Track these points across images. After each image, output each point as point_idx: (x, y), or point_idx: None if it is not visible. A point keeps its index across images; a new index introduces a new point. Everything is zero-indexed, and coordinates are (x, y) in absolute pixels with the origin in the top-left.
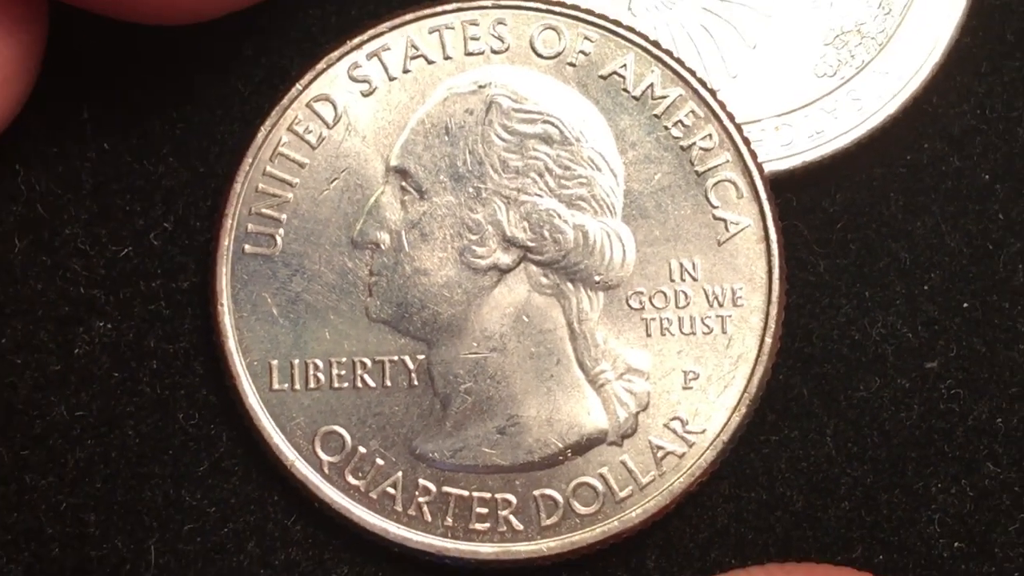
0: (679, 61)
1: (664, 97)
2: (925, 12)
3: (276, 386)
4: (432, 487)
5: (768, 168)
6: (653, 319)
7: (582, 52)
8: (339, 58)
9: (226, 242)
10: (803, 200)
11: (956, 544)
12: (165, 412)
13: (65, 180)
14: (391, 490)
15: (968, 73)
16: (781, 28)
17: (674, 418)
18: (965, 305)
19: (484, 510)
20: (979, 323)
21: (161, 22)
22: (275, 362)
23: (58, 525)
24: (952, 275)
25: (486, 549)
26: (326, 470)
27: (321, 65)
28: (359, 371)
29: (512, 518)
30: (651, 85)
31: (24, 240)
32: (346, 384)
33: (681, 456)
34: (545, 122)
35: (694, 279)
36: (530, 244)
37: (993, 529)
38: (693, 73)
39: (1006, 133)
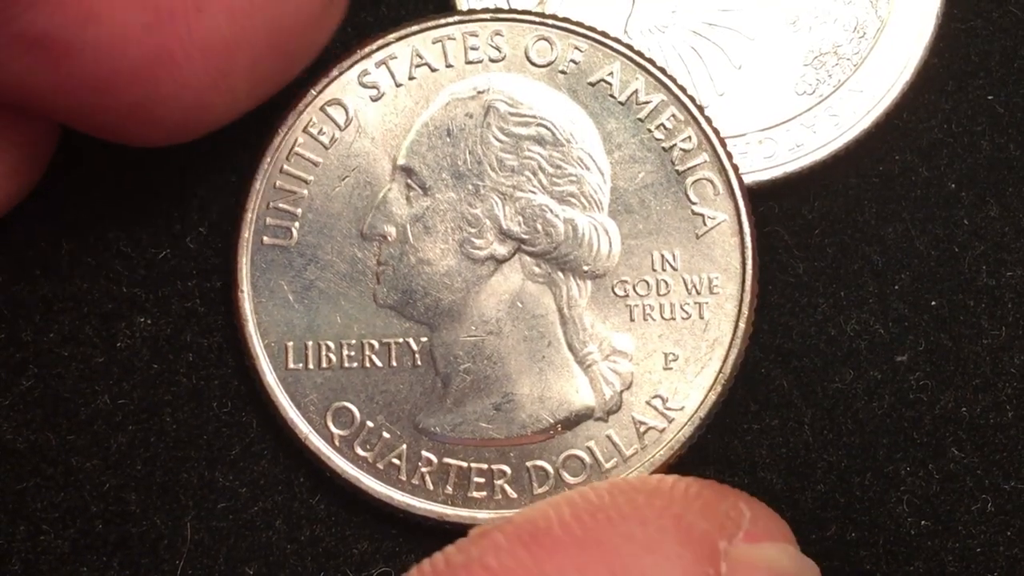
0: (661, 69)
1: (647, 102)
2: (897, 35)
3: (291, 365)
4: (434, 458)
5: (752, 178)
6: (636, 305)
7: (572, 61)
8: (350, 66)
9: (246, 234)
10: (784, 207)
11: (923, 523)
12: (200, 401)
13: (108, 187)
14: (396, 461)
15: (936, 91)
16: (764, 50)
17: (655, 396)
18: (933, 303)
19: (481, 479)
20: (946, 320)
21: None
22: (290, 343)
23: (101, 504)
24: (921, 276)
25: (483, 515)
26: (337, 443)
27: (334, 72)
28: (367, 352)
29: (507, 487)
30: (636, 91)
31: (71, 243)
32: (355, 364)
33: (662, 431)
34: (539, 125)
35: (674, 269)
36: (524, 236)
37: (957, 509)
38: (674, 80)
39: (970, 146)
